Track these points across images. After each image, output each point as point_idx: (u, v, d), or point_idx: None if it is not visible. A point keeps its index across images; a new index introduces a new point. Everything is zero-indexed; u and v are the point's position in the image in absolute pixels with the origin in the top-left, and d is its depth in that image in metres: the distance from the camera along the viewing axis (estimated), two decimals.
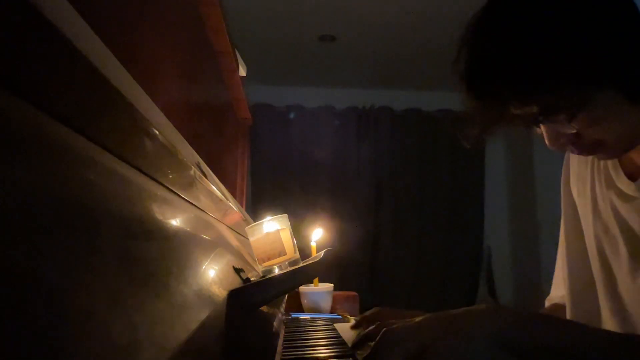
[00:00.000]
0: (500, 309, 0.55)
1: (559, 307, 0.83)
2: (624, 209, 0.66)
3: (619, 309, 0.67)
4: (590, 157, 0.75)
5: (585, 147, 0.62)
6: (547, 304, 0.88)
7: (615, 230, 0.68)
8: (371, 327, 0.60)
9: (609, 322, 0.69)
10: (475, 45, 0.59)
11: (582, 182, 0.77)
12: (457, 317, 0.53)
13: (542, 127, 0.62)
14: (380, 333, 0.54)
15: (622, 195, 0.67)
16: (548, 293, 0.89)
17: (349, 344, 0.76)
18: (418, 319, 0.55)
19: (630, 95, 0.56)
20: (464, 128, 0.62)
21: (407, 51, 2.93)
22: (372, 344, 0.55)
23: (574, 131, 0.60)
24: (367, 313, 0.80)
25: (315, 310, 1.33)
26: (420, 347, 0.50)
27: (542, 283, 2.96)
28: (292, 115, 3.46)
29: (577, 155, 0.79)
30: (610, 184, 0.69)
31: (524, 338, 0.51)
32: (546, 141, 0.63)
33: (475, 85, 0.59)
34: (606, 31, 0.54)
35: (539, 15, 0.56)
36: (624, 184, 0.66)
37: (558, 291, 0.85)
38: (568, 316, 0.76)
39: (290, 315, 1.24)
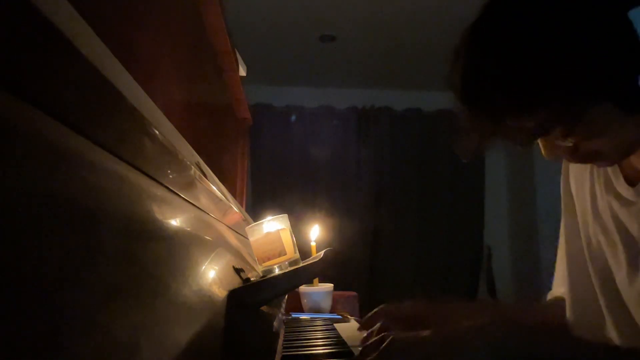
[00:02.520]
0: (502, 323, 0.56)
1: (560, 300, 0.83)
2: (622, 213, 0.66)
3: (620, 311, 0.67)
4: None
5: (582, 157, 0.62)
6: (548, 297, 0.88)
7: (614, 233, 0.68)
8: (375, 338, 0.60)
9: (610, 325, 0.69)
10: (469, 58, 0.59)
11: (580, 182, 0.77)
12: (461, 333, 0.56)
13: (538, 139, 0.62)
14: (387, 341, 0.55)
15: (621, 199, 0.67)
16: (548, 292, 0.89)
17: (349, 344, 0.76)
18: (424, 333, 0.57)
19: (625, 107, 0.56)
20: (460, 141, 0.62)
21: (407, 51, 2.93)
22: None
23: (571, 144, 0.60)
24: (375, 311, 0.80)
25: (315, 310, 1.33)
26: None
27: (542, 283, 2.97)
28: (292, 116, 3.46)
29: None
30: (609, 188, 0.69)
31: (525, 354, 0.53)
32: (542, 152, 0.63)
33: (470, 98, 0.60)
34: (600, 45, 0.54)
35: (533, 29, 0.56)
36: (623, 189, 0.66)
37: (559, 287, 0.86)
38: (569, 318, 0.76)
39: (290, 315, 1.24)
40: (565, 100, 0.55)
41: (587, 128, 0.57)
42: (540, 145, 0.63)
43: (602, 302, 0.70)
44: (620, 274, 0.66)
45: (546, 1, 0.57)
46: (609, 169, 0.70)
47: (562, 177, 0.83)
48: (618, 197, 0.67)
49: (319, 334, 0.90)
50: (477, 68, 0.58)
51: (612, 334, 0.68)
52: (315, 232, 1.38)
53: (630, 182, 0.66)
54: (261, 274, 0.80)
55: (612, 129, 0.58)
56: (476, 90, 0.59)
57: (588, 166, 0.75)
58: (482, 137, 0.62)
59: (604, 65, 0.54)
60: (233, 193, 1.56)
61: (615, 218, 0.67)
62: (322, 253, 0.66)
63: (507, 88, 0.56)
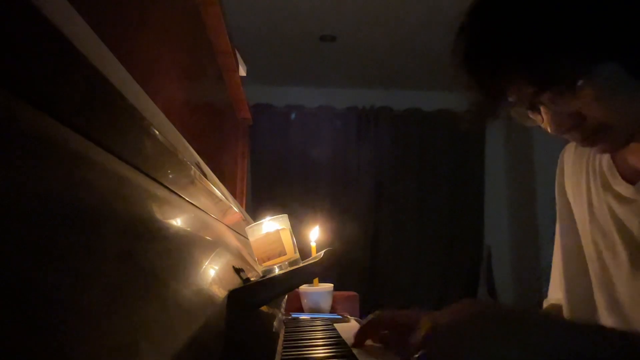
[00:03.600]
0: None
1: (556, 308, 0.83)
2: (621, 211, 0.66)
3: (618, 313, 0.67)
4: (585, 158, 0.75)
5: (589, 131, 0.59)
6: (545, 305, 0.87)
7: (613, 233, 0.67)
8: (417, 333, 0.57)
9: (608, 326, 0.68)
10: (474, 21, 0.58)
11: (577, 183, 0.76)
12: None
13: (543, 111, 0.60)
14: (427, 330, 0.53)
15: (619, 197, 0.66)
16: (546, 294, 0.89)
17: (349, 344, 0.76)
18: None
19: (634, 71, 0.53)
20: (463, 115, 0.61)
21: (407, 51, 2.93)
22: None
23: (578, 107, 0.57)
24: (369, 320, 0.78)
25: (315, 310, 1.33)
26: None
27: (542, 283, 2.97)
28: (292, 115, 3.46)
29: (572, 156, 0.78)
30: (606, 186, 0.68)
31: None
32: (548, 125, 0.60)
33: (474, 59, 0.58)
34: (602, 4, 0.52)
35: None
36: (622, 187, 0.66)
37: (555, 293, 0.85)
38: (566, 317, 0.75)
39: (290, 315, 1.24)
40: (569, 56, 0.53)
41: (594, 90, 0.54)
42: (546, 116, 0.60)
43: (600, 304, 0.70)
44: (621, 274, 0.66)
45: None
46: (605, 167, 0.69)
47: (556, 181, 0.82)
48: (616, 195, 0.67)
49: (319, 334, 0.90)
50: (480, 27, 0.57)
51: None
52: (315, 232, 1.38)
53: (629, 180, 0.66)
54: (261, 274, 0.80)
55: (621, 94, 0.55)
56: (479, 49, 0.58)
57: (584, 165, 0.74)
58: (487, 104, 0.60)
59: (608, 22, 0.52)
60: (233, 193, 1.56)
61: (614, 217, 0.67)
62: (322, 253, 0.66)
63: (509, 42, 0.55)
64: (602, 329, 0.58)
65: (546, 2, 0.54)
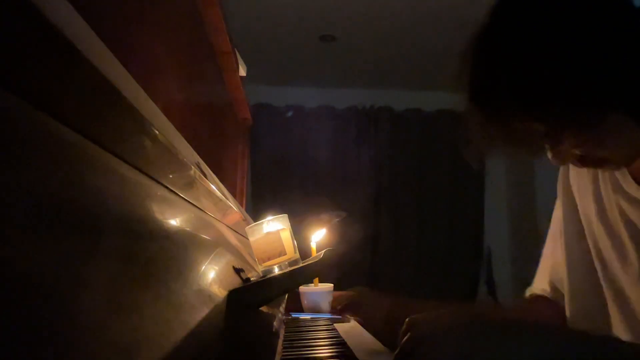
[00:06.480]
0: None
1: (538, 299, 0.83)
2: (632, 213, 0.65)
3: (627, 314, 0.67)
4: None
5: (589, 163, 0.62)
6: (527, 293, 0.88)
7: (623, 234, 0.67)
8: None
9: (617, 327, 0.68)
10: (480, 61, 0.59)
11: (582, 180, 0.76)
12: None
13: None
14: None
15: (631, 200, 0.66)
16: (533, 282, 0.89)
17: (349, 344, 0.76)
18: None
19: (638, 118, 0.55)
20: (469, 145, 0.62)
21: (407, 51, 2.93)
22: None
23: (580, 153, 0.59)
24: (351, 299, 0.81)
25: (315, 310, 1.33)
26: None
27: None
28: (292, 115, 3.46)
29: None
30: (617, 188, 0.68)
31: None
32: (550, 157, 0.62)
33: (480, 102, 0.59)
34: (614, 56, 0.53)
35: (545, 36, 0.55)
36: (633, 189, 0.65)
37: (540, 284, 0.85)
38: (569, 318, 0.75)
39: (290, 315, 1.24)
40: (576, 110, 0.54)
41: (598, 138, 0.57)
42: (548, 151, 0.62)
43: (610, 305, 0.69)
44: (630, 276, 0.65)
45: (560, 8, 0.56)
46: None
47: (560, 178, 0.81)
48: (627, 197, 0.66)
49: (319, 334, 0.90)
50: (487, 72, 0.58)
51: (619, 332, 0.68)
52: (317, 233, 1.38)
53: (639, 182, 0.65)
54: (261, 274, 0.80)
55: (623, 138, 0.58)
56: (486, 94, 0.58)
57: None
58: (492, 141, 0.61)
59: (616, 77, 0.53)
60: (233, 193, 1.56)
61: (625, 219, 0.67)
62: (322, 253, 0.66)
63: (516, 94, 0.55)
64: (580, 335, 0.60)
65: (553, 58, 0.54)
